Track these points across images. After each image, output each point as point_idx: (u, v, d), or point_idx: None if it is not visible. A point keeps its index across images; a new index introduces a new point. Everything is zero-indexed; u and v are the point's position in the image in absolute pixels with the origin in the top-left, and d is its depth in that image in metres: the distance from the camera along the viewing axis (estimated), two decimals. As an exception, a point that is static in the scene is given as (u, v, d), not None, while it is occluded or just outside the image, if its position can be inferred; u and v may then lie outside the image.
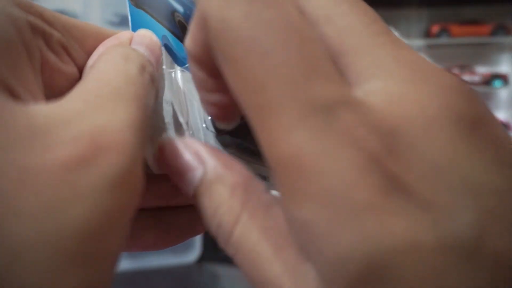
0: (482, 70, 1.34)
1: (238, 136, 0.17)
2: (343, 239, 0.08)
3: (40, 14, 0.14)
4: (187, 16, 0.20)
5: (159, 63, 0.15)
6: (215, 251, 1.15)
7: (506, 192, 0.08)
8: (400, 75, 0.10)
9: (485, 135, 0.09)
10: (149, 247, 0.16)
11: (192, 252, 1.07)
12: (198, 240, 1.08)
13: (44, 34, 0.13)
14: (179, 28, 0.19)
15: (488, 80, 1.30)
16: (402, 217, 0.08)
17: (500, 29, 1.29)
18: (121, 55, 0.13)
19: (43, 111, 0.10)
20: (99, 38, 0.15)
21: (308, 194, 0.09)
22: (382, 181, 0.08)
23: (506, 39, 1.28)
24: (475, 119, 0.09)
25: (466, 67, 1.33)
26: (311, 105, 0.09)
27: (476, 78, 1.30)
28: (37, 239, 0.08)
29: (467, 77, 1.30)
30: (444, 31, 1.32)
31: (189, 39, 0.12)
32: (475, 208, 0.08)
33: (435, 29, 1.32)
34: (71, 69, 0.14)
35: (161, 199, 0.17)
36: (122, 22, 1.32)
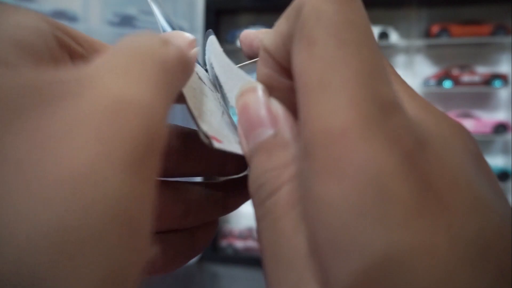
0: (482, 70, 1.34)
1: None
2: (366, 225, 0.09)
3: (65, 30, 0.14)
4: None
5: (195, 57, 0.15)
6: (215, 251, 1.16)
7: (505, 215, 0.10)
8: (420, 104, 0.12)
9: (485, 168, 0.11)
10: (159, 271, 0.17)
11: (192, 252, 1.08)
12: (198, 240, 1.08)
13: (69, 49, 0.14)
14: None
15: (488, 80, 1.30)
16: (426, 217, 0.09)
17: (500, 29, 1.29)
18: (141, 35, 0.12)
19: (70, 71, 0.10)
20: None
21: (342, 172, 0.09)
22: (416, 179, 0.09)
23: (506, 39, 1.28)
24: (477, 154, 0.11)
25: (466, 67, 1.33)
26: (372, 96, 0.10)
27: (476, 78, 1.30)
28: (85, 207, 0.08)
29: (467, 77, 1.30)
30: (444, 31, 1.32)
31: (270, 33, 0.14)
32: (482, 220, 0.09)
33: (435, 29, 1.32)
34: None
35: (173, 220, 0.17)
36: (122, 22, 1.32)
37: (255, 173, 0.13)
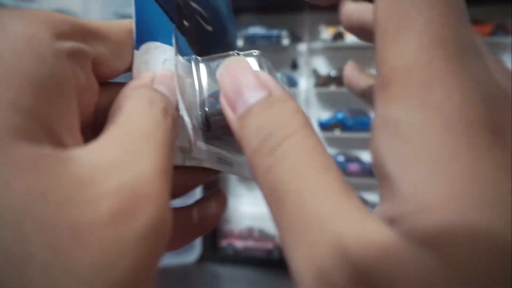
0: (482, 70, 1.34)
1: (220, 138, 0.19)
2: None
3: (81, 30, 0.14)
4: None
5: (175, 102, 0.16)
6: (215, 251, 1.16)
7: None
8: (496, 62, 0.13)
9: None
10: (166, 248, 0.17)
11: (192, 252, 1.07)
12: (198, 241, 1.08)
13: (80, 56, 0.13)
14: (175, 12, 0.20)
15: (488, 80, 1.30)
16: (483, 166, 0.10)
17: (500, 29, 1.29)
18: (147, 98, 0.13)
19: (85, 158, 0.10)
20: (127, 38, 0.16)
21: (425, 101, 0.10)
22: (491, 128, 0.10)
23: (506, 39, 1.28)
24: None
25: (466, 67, 1.33)
26: (456, 38, 0.10)
27: (476, 78, 1.30)
28: None
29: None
30: (444, 31, 1.32)
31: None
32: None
33: (435, 29, 1.32)
34: (95, 86, 0.14)
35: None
36: (122, 22, 1.32)
37: (256, 126, 0.13)
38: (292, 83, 1.38)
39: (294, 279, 0.11)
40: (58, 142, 0.11)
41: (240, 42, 1.37)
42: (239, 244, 1.13)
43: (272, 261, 1.09)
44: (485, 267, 0.09)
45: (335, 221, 0.10)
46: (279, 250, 1.11)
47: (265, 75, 0.14)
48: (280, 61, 1.41)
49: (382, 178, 0.11)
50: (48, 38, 0.12)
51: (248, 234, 1.16)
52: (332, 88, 1.33)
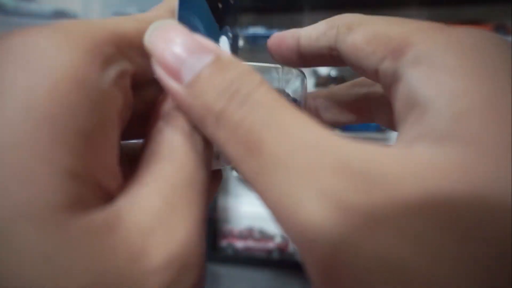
0: (482, 70, 1.33)
1: None
2: None
3: (122, 43, 0.12)
4: None
5: None
6: (215, 251, 1.16)
7: None
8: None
9: None
10: None
11: (192, 252, 1.07)
12: (198, 240, 1.08)
13: (123, 77, 0.12)
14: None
15: (488, 80, 1.29)
16: None
17: (500, 29, 1.29)
18: (184, 134, 0.13)
19: (132, 218, 0.10)
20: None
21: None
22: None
23: (506, 39, 1.28)
24: None
25: (466, 67, 1.33)
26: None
27: (476, 78, 1.30)
28: None
29: (467, 77, 1.30)
30: (444, 31, 1.32)
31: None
32: None
33: (435, 29, 1.32)
34: (131, 99, 0.14)
35: None
36: (122, 22, 1.32)
37: (216, 88, 0.12)
38: (292, 83, 1.38)
39: (295, 220, 0.10)
40: (104, 193, 0.10)
41: (240, 42, 1.37)
42: (239, 244, 1.13)
43: (272, 261, 1.09)
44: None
45: (334, 145, 0.10)
46: (279, 250, 1.11)
47: (204, 39, 0.13)
48: (280, 61, 1.40)
49: (412, 108, 0.11)
50: (95, 72, 0.11)
51: (248, 234, 1.16)
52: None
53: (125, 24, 0.12)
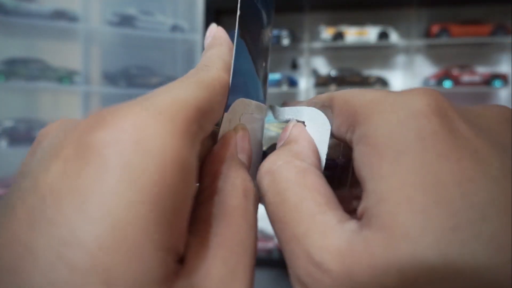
0: (482, 70, 1.34)
1: None
2: None
3: (202, 120, 0.13)
4: (267, 25, 0.21)
5: (249, 165, 0.17)
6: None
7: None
8: None
9: None
10: None
11: (192, 252, 1.07)
12: (198, 240, 1.08)
13: (199, 149, 0.14)
14: (261, 54, 0.20)
15: (488, 80, 1.30)
16: None
17: (500, 29, 1.29)
18: (242, 186, 0.14)
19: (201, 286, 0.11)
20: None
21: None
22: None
23: (506, 39, 1.28)
24: None
25: (466, 67, 1.33)
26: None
27: (476, 78, 1.30)
28: None
29: (467, 77, 1.30)
30: (444, 31, 1.32)
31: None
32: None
33: (435, 29, 1.32)
34: None
35: None
36: (122, 22, 1.32)
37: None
38: (292, 83, 1.38)
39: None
40: (178, 255, 0.11)
41: (240, 42, 1.37)
42: (239, 244, 1.13)
43: (272, 261, 1.09)
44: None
45: (307, 239, 0.13)
46: (279, 250, 1.11)
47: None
48: (280, 61, 1.41)
49: (364, 189, 0.13)
50: (191, 154, 0.12)
51: (248, 234, 1.16)
52: (332, 88, 1.33)
53: (200, 95, 0.13)
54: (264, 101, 0.20)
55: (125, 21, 1.32)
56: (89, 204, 0.10)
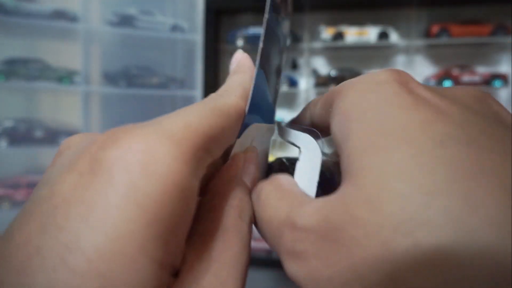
0: (482, 70, 1.33)
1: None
2: None
3: (209, 145, 0.14)
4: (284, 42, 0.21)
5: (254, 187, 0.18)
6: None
7: None
8: None
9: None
10: None
11: (192, 252, 1.07)
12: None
13: (204, 173, 0.14)
14: (276, 77, 0.21)
15: (488, 80, 1.30)
16: None
17: (500, 29, 1.29)
18: (238, 208, 0.15)
19: None
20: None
21: None
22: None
23: (506, 39, 1.28)
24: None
25: (466, 67, 1.33)
26: None
27: (476, 78, 1.30)
28: None
29: (467, 77, 1.30)
30: (444, 31, 1.32)
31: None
32: None
33: (435, 29, 1.32)
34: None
35: None
36: (122, 22, 1.32)
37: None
38: (292, 83, 1.38)
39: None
40: (174, 270, 0.12)
41: (240, 42, 1.37)
42: (239, 244, 1.13)
43: (272, 261, 1.08)
44: None
45: (290, 217, 0.14)
46: (279, 250, 1.12)
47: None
48: (280, 61, 1.40)
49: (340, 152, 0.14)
50: (194, 179, 0.12)
51: (248, 234, 1.16)
52: (332, 88, 1.33)
53: (212, 121, 0.14)
54: (274, 121, 0.21)
55: (125, 21, 1.32)
56: (93, 214, 0.10)
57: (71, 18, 1.25)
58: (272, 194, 0.16)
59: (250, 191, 0.17)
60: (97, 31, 1.32)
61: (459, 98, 0.14)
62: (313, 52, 1.40)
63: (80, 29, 1.27)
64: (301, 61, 1.41)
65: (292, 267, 0.13)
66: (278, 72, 0.21)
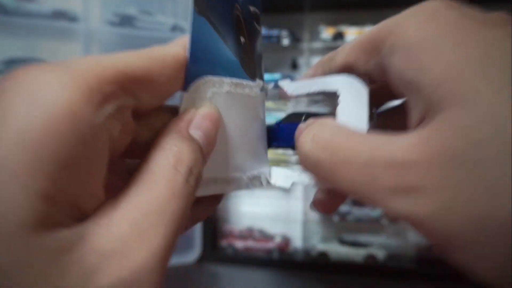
0: (482, 70, 1.33)
1: None
2: None
3: (126, 82, 0.13)
4: (245, 5, 0.20)
5: (211, 145, 0.16)
6: (215, 251, 1.16)
7: None
8: None
9: None
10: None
11: (192, 252, 1.07)
12: (198, 240, 1.08)
13: (121, 112, 0.13)
14: (233, 30, 0.19)
15: (488, 80, 1.29)
16: None
17: (500, 29, 1.29)
18: (174, 157, 0.14)
19: (95, 240, 0.11)
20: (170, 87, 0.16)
21: None
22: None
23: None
24: None
25: (466, 67, 1.32)
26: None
27: (476, 78, 1.30)
28: None
29: (467, 77, 1.30)
30: (444, 31, 1.32)
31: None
32: None
33: (435, 29, 1.32)
34: (130, 126, 0.14)
35: None
36: (122, 22, 1.32)
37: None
38: (292, 83, 1.38)
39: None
40: (82, 213, 0.11)
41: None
42: (239, 244, 1.13)
43: (272, 261, 1.09)
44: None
45: (379, 154, 0.14)
46: (279, 250, 1.11)
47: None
48: (280, 61, 1.41)
49: (414, 93, 0.14)
50: (89, 110, 0.12)
51: (248, 234, 1.16)
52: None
53: (136, 62, 0.13)
54: (252, 80, 0.20)
55: (125, 21, 1.32)
56: None
57: (71, 18, 1.25)
58: (335, 137, 0.15)
59: (201, 148, 0.15)
60: (97, 31, 1.32)
61: (499, 16, 0.14)
62: (313, 52, 1.40)
63: (80, 29, 1.27)
64: (301, 61, 1.41)
65: (405, 205, 0.13)
66: (241, 27, 0.19)
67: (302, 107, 0.21)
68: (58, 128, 0.11)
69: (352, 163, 0.14)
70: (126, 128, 0.14)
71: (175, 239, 0.13)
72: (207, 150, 0.16)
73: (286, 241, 1.13)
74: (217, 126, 0.16)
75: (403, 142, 0.13)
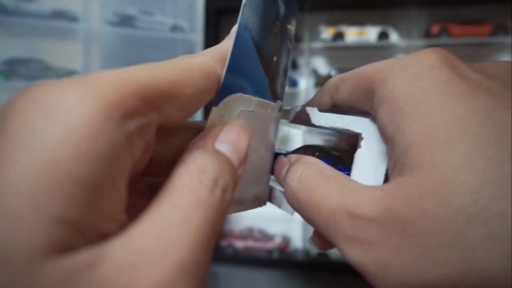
0: (482, 70, 1.33)
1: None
2: None
3: (151, 96, 0.12)
4: (286, 18, 0.20)
5: (243, 160, 0.15)
6: (215, 251, 1.15)
7: None
8: None
9: None
10: None
11: (192, 252, 1.07)
12: (198, 240, 1.08)
13: (145, 129, 0.12)
14: (269, 47, 0.18)
15: (488, 80, 1.29)
16: None
17: (500, 29, 1.29)
18: (197, 169, 0.13)
19: (115, 258, 0.10)
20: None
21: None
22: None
23: (506, 39, 1.27)
24: None
25: (466, 67, 1.33)
26: None
27: (476, 78, 1.30)
28: None
29: (467, 77, 1.30)
30: (444, 31, 1.32)
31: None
32: None
33: (435, 29, 1.32)
34: (152, 143, 0.13)
35: None
36: (122, 22, 1.32)
37: (293, 179, 0.19)
38: (292, 83, 1.38)
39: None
40: (98, 235, 0.11)
41: (240, 42, 1.37)
42: (239, 244, 1.13)
43: (272, 261, 1.09)
44: None
45: (343, 203, 0.14)
46: (279, 250, 1.11)
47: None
48: (280, 61, 1.40)
49: (390, 148, 0.14)
50: (110, 126, 0.11)
51: (248, 234, 1.16)
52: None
53: (160, 73, 0.13)
54: (273, 100, 0.19)
55: (125, 21, 1.32)
56: None
57: (71, 18, 1.25)
58: (315, 179, 0.16)
59: (229, 161, 0.15)
60: (97, 31, 1.32)
61: (500, 74, 0.14)
62: (313, 52, 1.40)
63: (80, 29, 1.27)
64: (301, 61, 1.41)
65: (355, 253, 0.14)
66: (279, 47, 0.19)
67: (315, 139, 0.21)
68: (75, 147, 0.10)
69: (323, 206, 0.15)
70: (148, 147, 0.13)
71: (205, 251, 0.12)
72: (238, 163, 0.15)
73: (286, 241, 1.13)
74: (248, 141, 0.16)
75: (366, 196, 0.14)
